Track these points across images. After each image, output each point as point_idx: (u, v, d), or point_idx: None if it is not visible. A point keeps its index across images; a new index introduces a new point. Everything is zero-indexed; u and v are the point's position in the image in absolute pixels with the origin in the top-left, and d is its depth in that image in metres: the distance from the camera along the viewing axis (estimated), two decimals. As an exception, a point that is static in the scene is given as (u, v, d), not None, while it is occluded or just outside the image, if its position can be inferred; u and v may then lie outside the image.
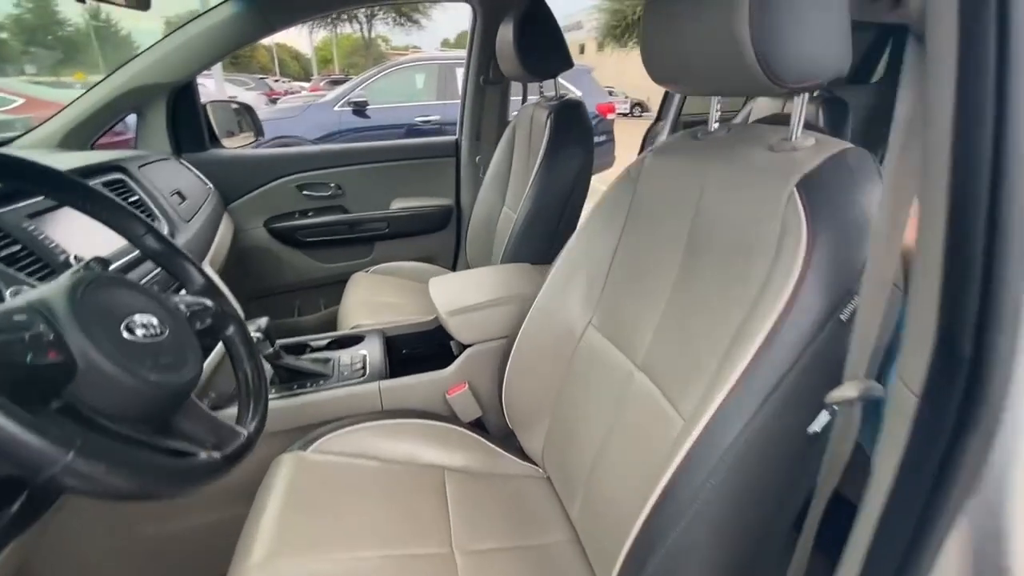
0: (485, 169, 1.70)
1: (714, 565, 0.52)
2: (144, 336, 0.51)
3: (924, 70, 0.36)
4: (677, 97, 2.03)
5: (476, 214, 1.71)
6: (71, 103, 1.34)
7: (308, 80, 19.72)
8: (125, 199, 1.04)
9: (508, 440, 1.02)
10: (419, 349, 1.23)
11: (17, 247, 0.73)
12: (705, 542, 0.52)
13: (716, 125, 0.72)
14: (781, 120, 0.76)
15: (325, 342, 1.17)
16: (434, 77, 5.24)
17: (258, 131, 1.89)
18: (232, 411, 0.93)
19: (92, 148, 1.37)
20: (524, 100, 1.70)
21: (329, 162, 1.77)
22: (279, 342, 1.00)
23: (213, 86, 7.95)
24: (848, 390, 0.44)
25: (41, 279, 0.75)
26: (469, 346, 1.08)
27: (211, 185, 1.52)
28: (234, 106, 1.93)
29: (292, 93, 12.09)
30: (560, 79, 1.37)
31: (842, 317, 0.47)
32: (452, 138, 1.91)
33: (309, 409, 0.99)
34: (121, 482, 0.40)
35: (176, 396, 0.52)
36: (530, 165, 1.42)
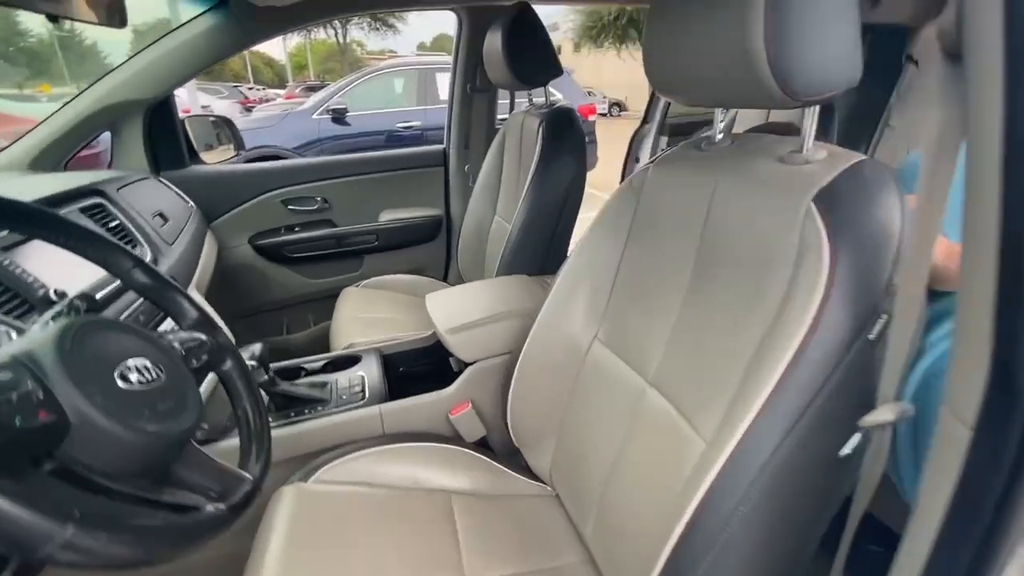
0: (474, 178, 1.68)
1: None
2: (139, 383, 0.48)
3: (956, 90, 0.35)
4: (662, 100, 2.03)
5: (467, 224, 1.68)
6: (41, 122, 1.28)
7: (283, 87, 19.42)
8: (105, 225, 0.99)
9: (513, 458, 1.00)
10: (417, 367, 1.21)
11: None
12: (736, 570, 0.50)
13: (720, 136, 0.71)
14: (778, 130, 0.75)
15: (320, 364, 1.13)
16: (414, 82, 5.20)
17: (238, 144, 1.84)
18: (227, 444, 0.91)
19: (65, 169, 1.31)
20: (512, 108, 1.68)
21: (314, 175, 1.73)
22: (272, 366, 0.97)
23: (186, 95, 7.77)
24: (884, 413, 0.43)
25: (19, 317, 0.70)
26: (470, 363, 1.06)
27: (192, 203, 1.47)
28: (212, 119, 1.88)
29: (267, 101, 11.90)
30: None
31: (870, 336, 0.46)
32: (440, 147, 1.88)
33: (308, 437, 0.95)
34: (124, 551, 0.37)
35: (176, 445, 0.49)
36: (522, 174, 1.40)
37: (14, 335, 0.54)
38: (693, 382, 0.64)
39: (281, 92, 15.50)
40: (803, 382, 0.47)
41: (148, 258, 1.02)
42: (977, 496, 0.31)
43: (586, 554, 0.80)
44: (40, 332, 0.45)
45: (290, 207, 1.72)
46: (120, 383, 0.46)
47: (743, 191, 0.61)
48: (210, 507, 0.47)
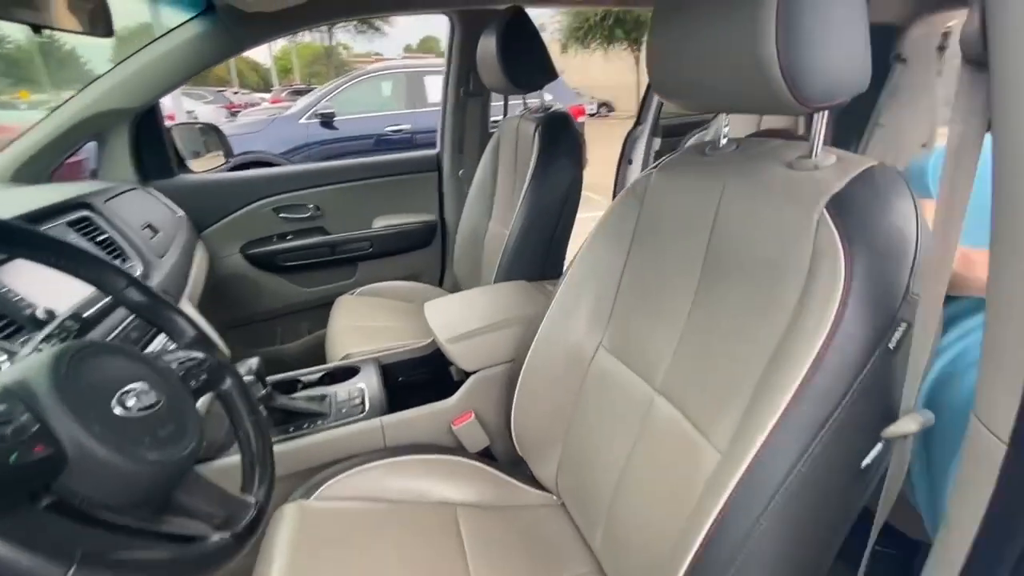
0: (469, 183, 1.67)
1: None
2: (138, 409, 0.46)
3: (976, 97, 0.34)
4: (655, 101, 2.03)
5: (462, 229, 1.67)
6: (24, 132, 1.25)
7: (268, 91, 19.23)
8: (93, 239, 0.96)
9: (517, 467, 0.99)
10: (417, 376, 1.19)
11: None
12: None
13: (725, 141, 0.70)
14: (782, 135, 0.75)
15: (318, 376, 1.11)
16: (403, 85, 5.17)
17: (227, 151, 1.81)
18: (224, 462, 0.89)
19: (50, 180, 1.28)
20: (506, 112, 1.67)
21: (306, 182, 1.71)
22: (268, 379, 0.95)
23: (170, 101, 7.64)
24: (908, 424, 0.42)
25: (7, 338, 0.68)
26: (471, 372, 1.04)
27: (182, 213, 1.44)
28: (199, 126, 1.85)
29: (252, 105, 11.76)
30: None
31: (890, 345, 0.46)
32: (433, 152, 1.86)
33: (308, 452, 0.93)
34: None
35: (178, 472, 0.47)
36: (518, 178, 1.39)
37: (3, 357, 0.52)
38: (703, 390, 0.63)
39: (267, 96, 15.35)
40: (822, 392, 0.46)
41: (139, 272, 1.00)
42: (1016, 511, 0.31)
43: (595, 564, 0.79)
44: (32, 359, 0.43)
45: (282, 215, 1.70)
46: (118, 410, 0.44)
47: (751, 197, 0.60)
48: (216, 536, 0.46)
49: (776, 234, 0.56)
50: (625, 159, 2.20)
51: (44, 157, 1.25)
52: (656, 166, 0.79)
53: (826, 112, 0.55)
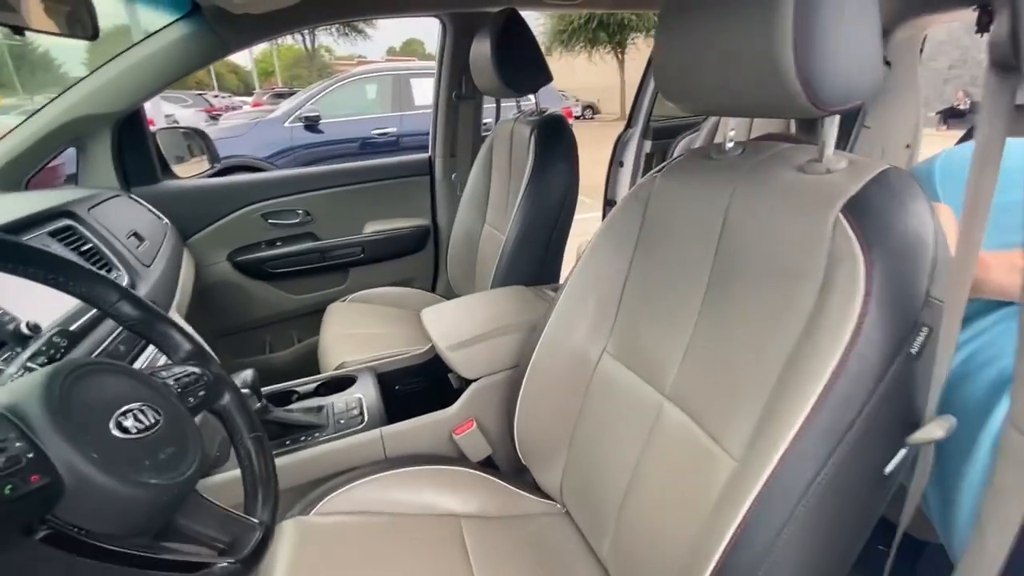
0: (462, 187, 1.65)
1: None
2: (137, 431, 0.43)
3: (1001, 100, 0.34)
4: (646, 104, 2.04)
5: (455, 234, 1.65)
6: (-1, 138, 1.20)
7: (249, 94, 18.97)
8: (77, 249, 0.92)
9: (519, 476, 0.97)
10: (414, 384, 1.17)
11: None
12: None
13: (731, 144, 0.70)
14: (790, 139, 0.75)
15: (313, 387, 1.09)
16: (388, 88, 5.13)
17: (213, 156, 1.77)
18: (220, 478, 0.86)
19: (26, 188, 1.23)
20: (498, 116, 1.66)
21: (295, 187, 1.67)
22: (262, 390, 0.92)
23: (148, 105, 7.49)
24: (934, 430, 0.42)
25: (-11, 355, 0.64)
26: (472, 380, 1.02)
27: (167, 220, 1.40)
28: (183, 130, 1.81)
29: (233, 109, 11.60)
30: None
31: (912, 350, 0.45)
32: (425, 156, 1.84)
33: (306, 466, 0.91)
34: None
35: (180, 496, 0.45)
36: (512, 182, 1.38)
37: None
38: (714, 395, 0.63)
39: (248, 100, 15.15)
40: (845, 398, 0.46)
41: (125, 282, 0.96)
42: None
43: (602, 572, 0.78)
44: (23, 381, 0.41)
45: (270, 221, 1.66)
46: (116, 432, 0.42)
47: (762, 201, 0.60)
48: (222, 563, 0.43)
49: (789, 239, 0.55)
50: (616, 162, 2.20)
51: (20, 164, 1.21)
52: (660, 170, 0.78)
53: (837, 116, 0.54)
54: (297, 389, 1.08)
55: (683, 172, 0.74)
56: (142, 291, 0.99)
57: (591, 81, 16.32)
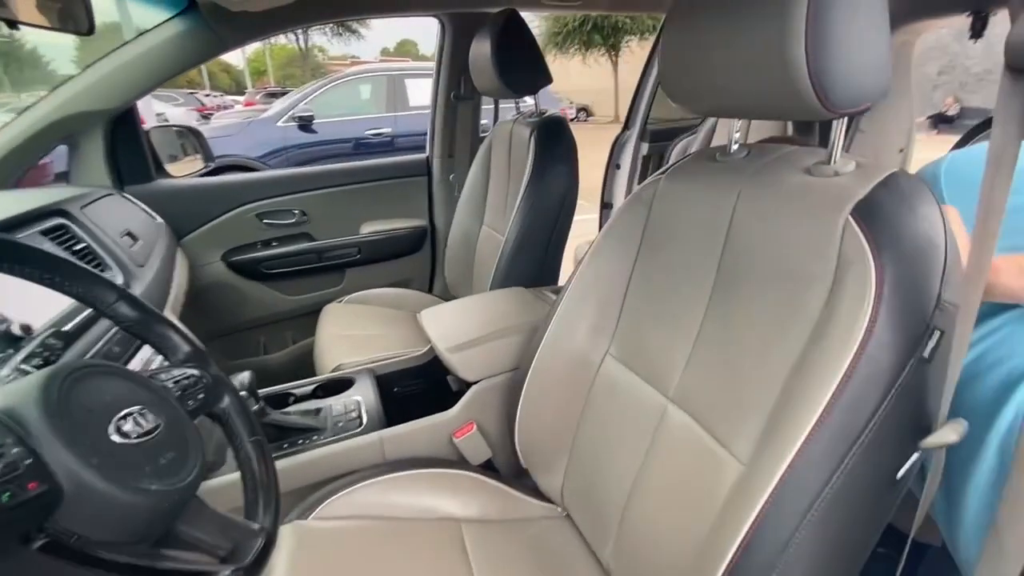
0: (460, 187, 1.64)
1: None
2: (137, 435, 0.42)
3: (1018, 103, 0.34)
4: (643, 106, 2.04)
5: (453, 235, 1.64)
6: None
7: (241, 94, 18.82)
8: (70, 248, 0.91)
9: (519, 479, 0.96)
10: (413, 386, 1.16)
11: None
12: None
13: (735, 147, 0.70)
14: (796, 141, 0.75)
15: (311, 389, 1.07)
16: (382, 88, 5.11)
17: (207, 155, 1.75)
18: (216, 482, 0.84)
19: (17, 186, 1.21)
20: (496, 117, 1.65)
21: (291, 187, 1.65)
22: (258, 392, 0.90)
23: (139, 103, 7.41)
24: (948, 434, 0.41)
25: (-21, 357, 0.62)
26: (472, 382, 1.01)
27: (161, 220, 1.38)
28: (176, 129, 1.78)
29: (225, 108, 11.49)
30: None
31: (924, 354, 0.45)
32: (422, 156, 1.83)
33: (304, 470, 0.89)
34: None
35: (181, 502, 0.44)
36: (511, 183, 1.38)
37: None
38: (720, 398, 0.62)
39: (240, 99, 15.02)
40: (856, 401, 0.46)
41: (119, 282, 0.94)
42: None
43: None
44: (19, 384, 0.39)
45: (266, 221, 1.64)
46: (116, 437, 0.41)
47: (769, 203, 0.60)
48: (225, 571, 0.42)
49: (797, 242, 0.55)
50: (613, 164, 2.20)
51: (11, 162, 1.18)
52: (663, 172, 0.78)
53: (846, 118, 0.54)
54: (294, 391, 1.07)
55: (687, 174, 0.74)
56: (136, 291, 0.97)
57: (585, 84, 16.37)
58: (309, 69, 25.27)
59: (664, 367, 0.71)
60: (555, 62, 16.32)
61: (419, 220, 1.84)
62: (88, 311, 0.79)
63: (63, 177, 1.36)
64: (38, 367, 0.58)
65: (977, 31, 1.59)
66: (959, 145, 1.57)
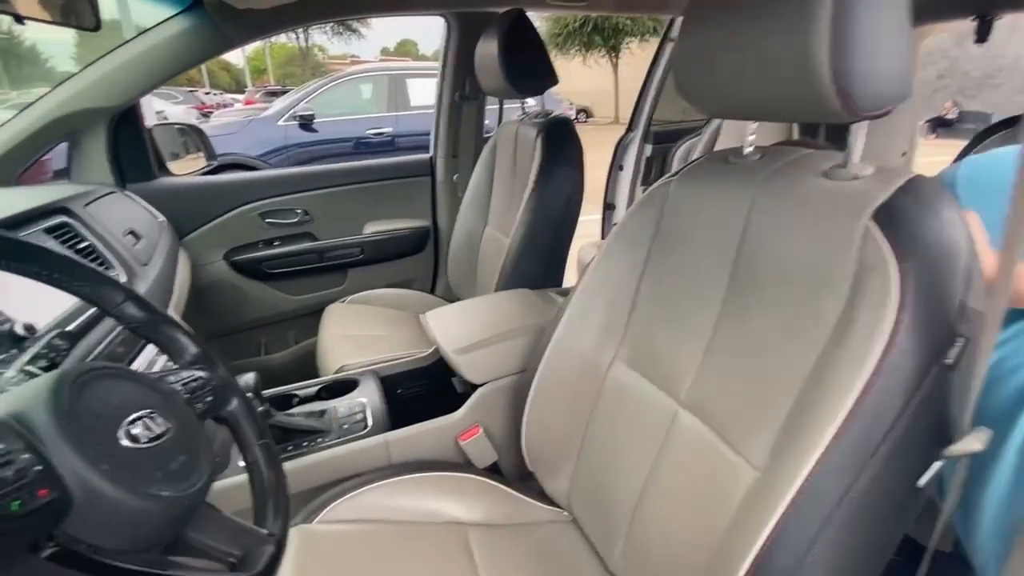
0: (463, 188, 1.63)
1: None
2: (147, 440, 0.41)
3: None
4: (647, 107, 2.04)
5: (456, 235, 1.63)
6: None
7: (241, 92, 18.78)
8: (73, 247, 0.90)
9: (525, 482, 0.95)
10: (418, 388, 1.15)
11: None
12: None
13: (749, 149, 0.69)
14: (811, 144, 0.74)
15: (315, 390, 1.06)
16: (383, 88, 5.11)
17: (210, 154, 1.74)
18: (221, 484, 0.83)
19: (17, 183, 1.20)
20: (501, 118, 1.65)
21: (294, 187, 1.65)
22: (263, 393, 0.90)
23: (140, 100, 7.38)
24: (972, 442, 0.41)
25: (-18, 357, 0.61)
26: (478, 385, 1.01)
27: (163, 218, 1.37)
28: (178, 127, 1.78)
29: (225, 107, 11.47)
30: None
31: (947, 361, 0.45)
32: (426, 156, 1.82)
33: (309, 472, 0.88)
34: None
35: (191, 508, 0.43)
36: (516, 184, 1.37)
37: None
38: (733, 404, 0.61)
39: (239, 97, 14.99)
40: (878, 409, 0.45)
41: (123, 281, 0.93)
42: None
43: None
44: (27, 387, 0.39)
45: (268, 220, 1.63)
46: (126, 442, 0.40)
47: (785, 207, 0.59)
48: (236, 580, 0.41)
49: (815, 246, 0.55)
50: (616, 165, 2.20)
51: (12, 159, 1.17)
52: (675, 174, 0.77)
53: (866, 122, 0.54)
54: (298, 392, 1.06)
55: (700, 176, 0.73)
56: (140, 291, 0.96)
57: (585, 85, 16.37)
58: (309, 68, 25.25)
59: (675, 371, 0.70)
60: (555, 63, 16.29)
61: (422, 220, 1.83)
62: (91, 310, 0.78)
63: (62, 174, 1.35)
64: (44, 368, 0.57)
65: (982, 35, 1.59)
66: (966, 150, 1.57)
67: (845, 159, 0.56)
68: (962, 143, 1.64)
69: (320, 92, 5.05)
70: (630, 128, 2.09)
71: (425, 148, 1.85)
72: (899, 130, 1.85)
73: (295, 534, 0.76)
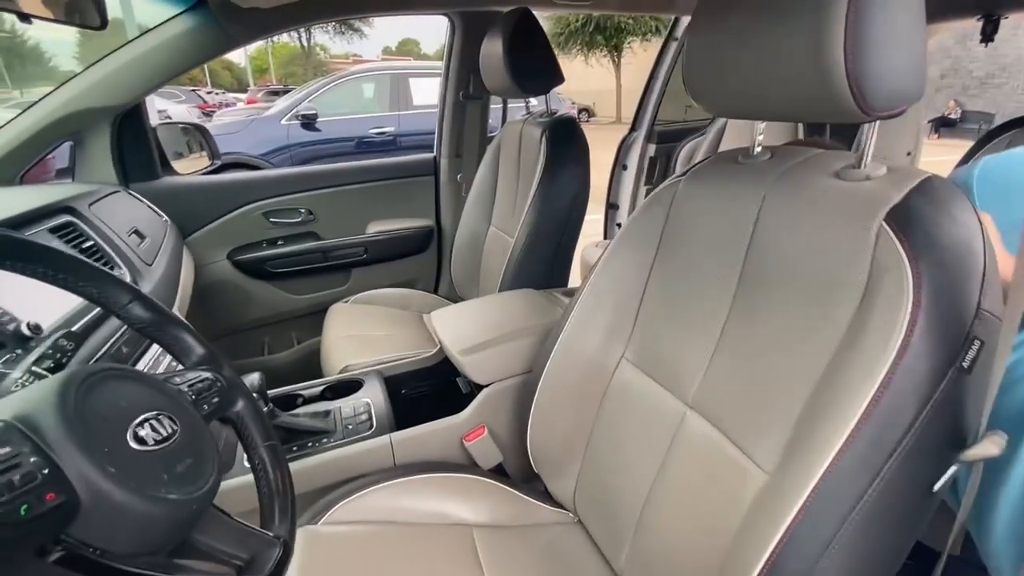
0: (467, 188, 1.63)
1: None
2: (155, 442, 0.41)
3: None
4: (651, 107, 2.03)
5: (460, 235, 1.63)
6: (-6, 131, 1.16)
7: (243, 91, 18.81)
8: (78, 246, 0.89)
9: (530, 483, 0.95)
10: (422, 388, 1.14)
11: None
12: None
13: (759, 148, 0.69)
14: (821, 144, 0.74)
15: (319, 390, 1.06)
16: (386, 87, 5.11)
17: (213, 154, 1.74)
18: (225, 484, 0.83)
19: (21, 182, 1.19)
20: (505, 117, 1.64)
21: (298, 186, 1.64)
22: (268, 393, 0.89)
23: (141, 100, 7.39)
24: (989, 447, 0.40)
25: (-13, 357, 0.61)
26: (483, 385, 1.00)
27: (166, 218, 1.37)
28: (182, 126, 1.77)
29: (227, 106, 11.48)
30: None
31: (963, 364, 0.44)
32: (430, 156, 1.82)
33: (314, 473, 0.88)
34: None
35: (199, 510, 0.42)
36: (521, 184, 1.37)
37: None
38: (742, 406, 0.61)
39: (242, 96, 15.01)
40: (893, 413, 0.44)
41: (127, 279, 0.93)
42: None
43: None
44: (34, 389, 0.38)
45: (272, 220, 1.63)
46: (133, 445, 0.39)
47: (796, 207, 0.58)
48: (245, 584, 0.41)
49: (826, 247, 0.54)
50: (619, 165, 2.19)
51: (16, 158, 1.17)
52: (684, 173, 0.76)
53: (877, 122, 0.53)
54: (302, 393, 1.06)
55: (708, 176, 0.73)
56: (144, 290, 0.96)
57: (587, 84, 16.35)
58: (311, 67, 25.26)
59: (682, 373, 0.69)
60: (557, 62, 16.29)
61: (426, 220, 1.82)
62: (96, 310, 0.77)
63: (64, 173, 1.35)
64: (49, 369, 0.56)
65: (988, 35, 1.58)
66: (973, 150, 1.56)
67: (858, 159, 0.56)
68: (964, 142, 1.63)
69: (323, 91, 5.05)
70: (634, 127, 2.09)
71: (427, 147, 1.85)
72: (904, 130, 1.84)
73: (300, 535, 0.75)
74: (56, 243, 0.85)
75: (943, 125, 10.97)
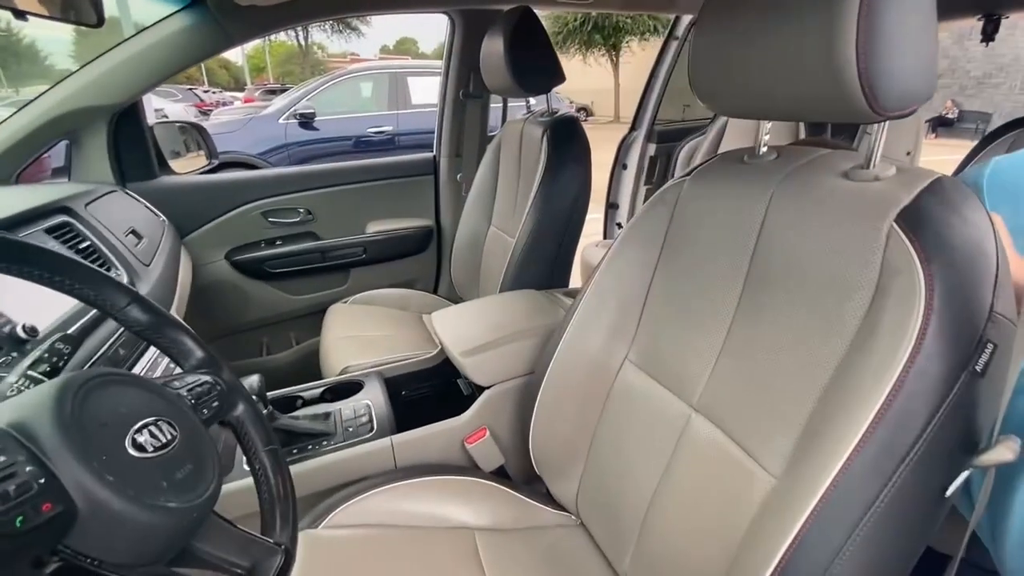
0: (467, 187, 1.62)
1: None
2: (154, 448, 0.40)
3: None
4: (651, 106, 2.03)
5: (460, 235, 1.62)
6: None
7: (240, 90, 18.74)
8: (75, 247, 0.88)
9: (532, 486, 0.94)
10: (423, 389, 1.14)
11: None
12: None
13: (764, 148, 0.68)
14: (828, 144, 0.73)
15: (319, 392, 1.05)
16: (384, 86, 5.09)
17: (211, 153, 1.72)
18: (226, 488, 0.82)
19: (17, 182, 1.18)
20: (505, 116, 1.63)
21: (296, 185, 1.63)
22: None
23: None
24: (1003, 452, 0.40)
25: (-18, 360, 0.60)
26: (484, 387, 0.99)
27: (164, 217, 1.35)
28: (179, 125, 1.76)
29: (224, 104, 11.44)
30: None
31: (976, 368, 0.43)
32: (429, 155, 1.81)
33: (314, 476, 0.87)
34: None
35: (199, 518, 0.42)
36: (522, 183, 1.36)
37: None
38: (749, 409, 0.60)
39: (239, 95, 14.95)
40: (905, 415, 0.44)
41: (125, 281, 0.92)
42: None
43: None
44: (30, 394, 0.37)
45: (270, 219, 1.62)
46: (132, 452, 0.38)
47: (804, 207, 0.58)
48: (246, 593, 0.40)
49: (835, 248, 0.53)
50: (619, 164, 2.18)
51: (12, 157, 1.16)
52: (689, 173, 0.76)
53: (887, 122, 0.52)
54: (302, 394, 1.05)
55: (714, 176, 0.72)
56: (142, 292, 0.95)
57: (585, 84, 16.33)
58: (308, 66, 25.20)
59: (687, 375, 0.69)
60: (555, 62, 16.27)
61: (425, 220, 1.81)
62: (93, 312, 0.76)
63: (60, 172, 1.34)
64: (46, 373, 0.55)
65: (988, 34, 1.58)
66: (975, 152, 1.55)
67: (866, 160, 0.55)
68: (961, 142, 1.64)
69: (321, 90, 5.04)
70: (634, 127, 2.08)
71: (426, 147, 1.84)
72: (904, 129, 1.84)
73: (300, 539, 0.74)
74: (52, 244, 0.84)
75: (940, 125, 11.01)
